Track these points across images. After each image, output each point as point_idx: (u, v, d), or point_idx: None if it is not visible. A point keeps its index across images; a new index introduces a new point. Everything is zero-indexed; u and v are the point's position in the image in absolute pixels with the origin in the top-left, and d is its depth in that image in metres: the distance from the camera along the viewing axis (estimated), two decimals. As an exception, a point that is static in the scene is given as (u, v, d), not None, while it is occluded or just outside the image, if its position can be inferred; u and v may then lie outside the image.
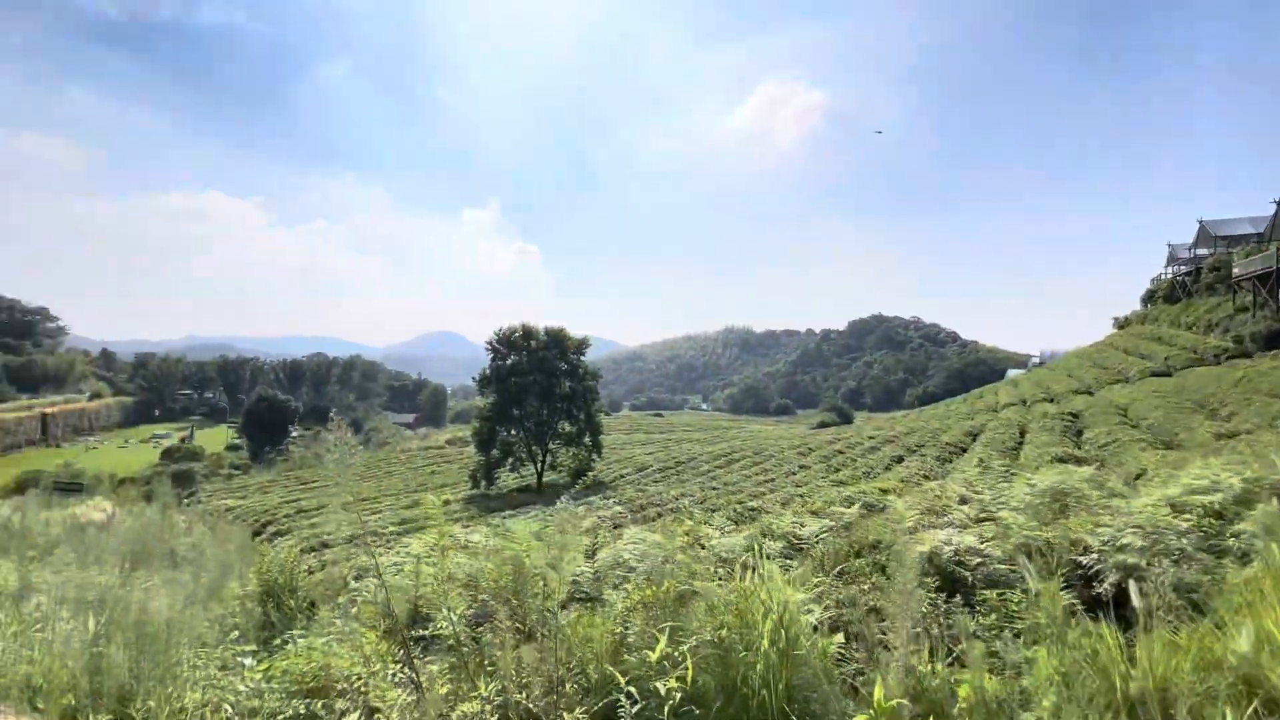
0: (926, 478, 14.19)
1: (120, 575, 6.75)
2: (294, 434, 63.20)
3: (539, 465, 31.45)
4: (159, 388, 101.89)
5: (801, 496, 11.21)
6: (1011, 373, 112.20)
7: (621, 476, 30.98)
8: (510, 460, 30.78)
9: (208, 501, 37.30)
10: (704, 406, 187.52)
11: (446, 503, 28.83)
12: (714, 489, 21.56)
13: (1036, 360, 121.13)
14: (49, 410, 72.64)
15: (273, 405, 63.01)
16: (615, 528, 15.44)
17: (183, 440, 69.86)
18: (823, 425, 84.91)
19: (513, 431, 30.94)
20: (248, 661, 4.30)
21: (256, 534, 24.95)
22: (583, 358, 31.96)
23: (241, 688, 3.99)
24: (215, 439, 75.51)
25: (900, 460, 21.12)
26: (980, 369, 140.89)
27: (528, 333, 31.10)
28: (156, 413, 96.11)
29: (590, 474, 29.80)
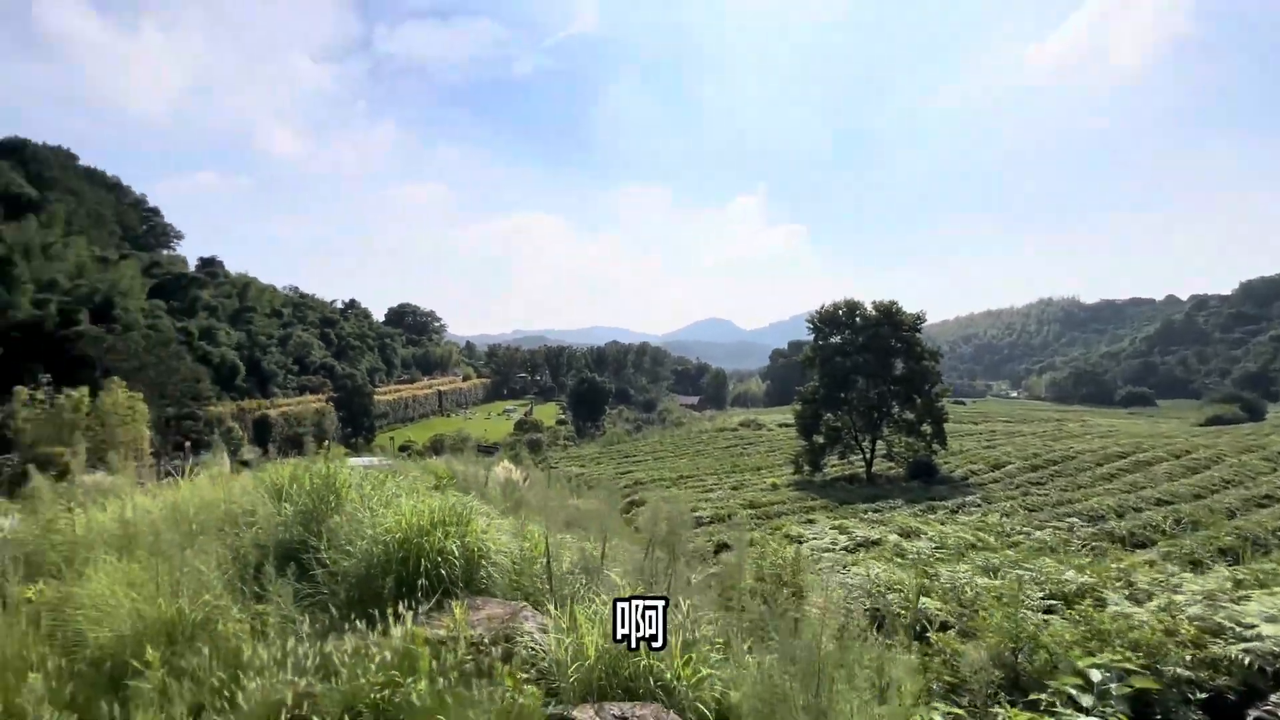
0: None
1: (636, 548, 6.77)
2: (609, 411, 71.57)
3: (868, 453, 28.94)
4: (505, 371, 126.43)
5: None
6: None
7: (973, 473, 26.58)
8: (838, 447, 28.88)
9: (557, 467, 43.82)
10: (1014, 394, 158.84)
11: (774, 486, 28.33)
12: (1166, 503, 16.29)
13: None
14: (442, 388, 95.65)
15: (592, 386, 72.12)
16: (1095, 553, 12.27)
17: (526, 414, 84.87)
18: (1217, 421, 63.94)
19: (838, 415, 28.99)
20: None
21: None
22: (918, 334, 28.27)
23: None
24: (547, 414, 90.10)
25: None
26: None
27: (852, 308, 28.71)
28: (505, 392, 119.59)
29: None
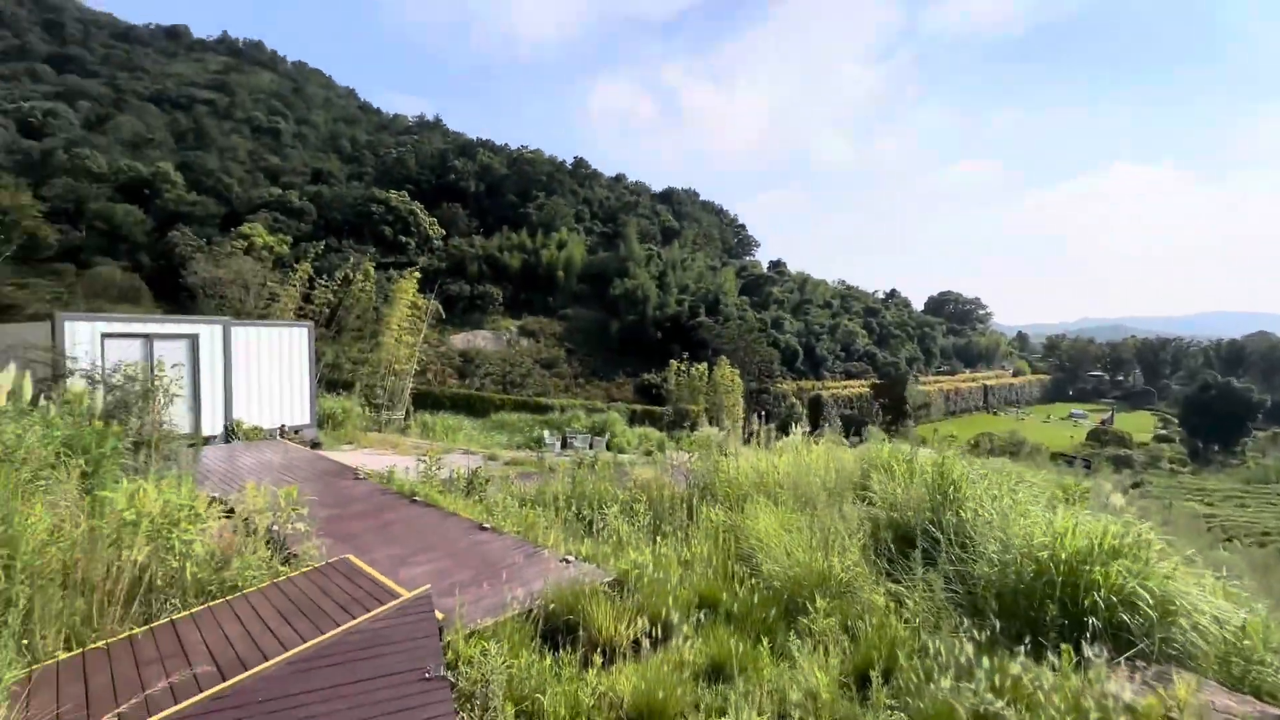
0: None
1: None
2: (1256, 434, 49.05)
3: None
4: (1070, 368, 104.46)
5: None
6: None
7: None
8: None
9: (1164, 499, 32.76)
10: None
11: None
12: None
13: None
14: (988, 383, 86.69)
15: (1225, 394, 51.12)
16: None
17: (1104, 423, 67.61)
18: None
19: None
20: None
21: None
22: None
23: None
24: (1135, 424, 69.40)
25: None
26: None
27: None
28: (1070, 392, 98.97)
29: None
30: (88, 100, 73.21)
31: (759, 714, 3.42)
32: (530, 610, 4.37)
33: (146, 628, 3.81)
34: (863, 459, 8.57)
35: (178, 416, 10.59)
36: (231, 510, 5.44)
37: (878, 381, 64.01)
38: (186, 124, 74.35)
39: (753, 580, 5.36)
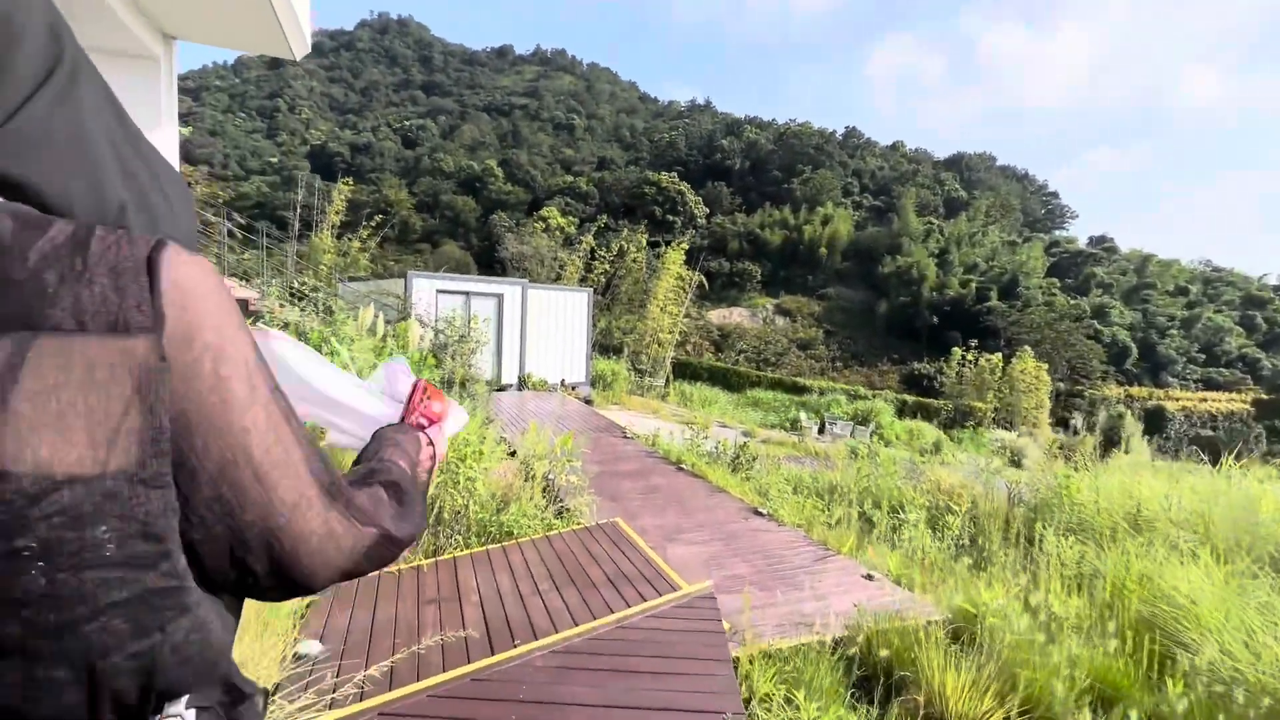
0: None
1: None
2: None
3: None
4: None
5: None
6: None
7: None
8: None
9: None
10: None
11: None
12: None
13: None
14: None
15: None
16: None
17: None
18: None
19: None
20: None
21: None
22: None
23: None
24: None
25: None
26: None
27: None
28: None
29: None
30: (444, 115, 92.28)
31: None
32: (837, 640, 3.26)
33: (432, 560, 3.72)
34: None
35: (482, 363, 11.96)
36: (514, 452, 5.42)
37: (1262, 397, 46.86)
38: (507, 127, 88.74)
39: (1188, 674, 3.42)
